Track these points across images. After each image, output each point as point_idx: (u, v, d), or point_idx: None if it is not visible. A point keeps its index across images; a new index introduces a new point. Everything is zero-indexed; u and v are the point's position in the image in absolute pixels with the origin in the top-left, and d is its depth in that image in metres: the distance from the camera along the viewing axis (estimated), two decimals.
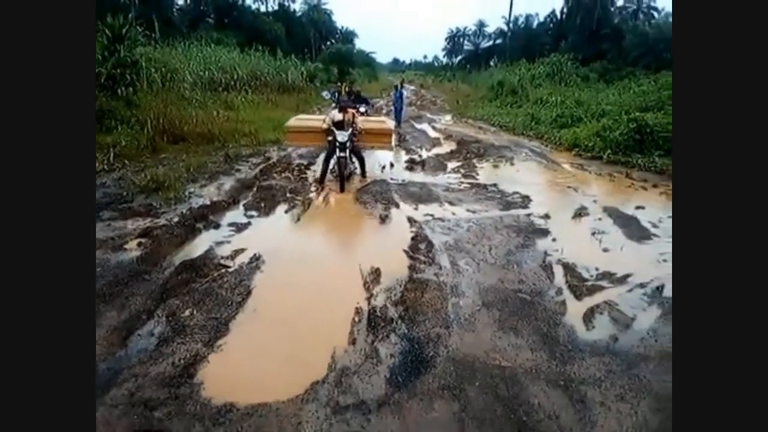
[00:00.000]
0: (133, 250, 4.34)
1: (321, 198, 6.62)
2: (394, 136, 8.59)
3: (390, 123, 8.85)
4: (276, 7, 39.67)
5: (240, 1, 35.44)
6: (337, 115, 7.15)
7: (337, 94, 12.90)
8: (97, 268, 3.86)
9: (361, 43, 55.13)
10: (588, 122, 12.43)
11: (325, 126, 7.25)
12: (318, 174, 7.40)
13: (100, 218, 5.09)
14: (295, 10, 41.73)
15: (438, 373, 2.74)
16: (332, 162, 7.11)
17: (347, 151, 7.02)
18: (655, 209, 6.26)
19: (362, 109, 10.76)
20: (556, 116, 14.20)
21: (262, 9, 39.01)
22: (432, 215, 5.85)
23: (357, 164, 7.64)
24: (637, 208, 6.35)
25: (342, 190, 6.85)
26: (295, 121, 8.38)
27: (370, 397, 2.52)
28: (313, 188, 7.02)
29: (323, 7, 44.33)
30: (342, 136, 6.89)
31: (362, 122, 7.70)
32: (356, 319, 3.36)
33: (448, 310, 3.50)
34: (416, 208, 6.16)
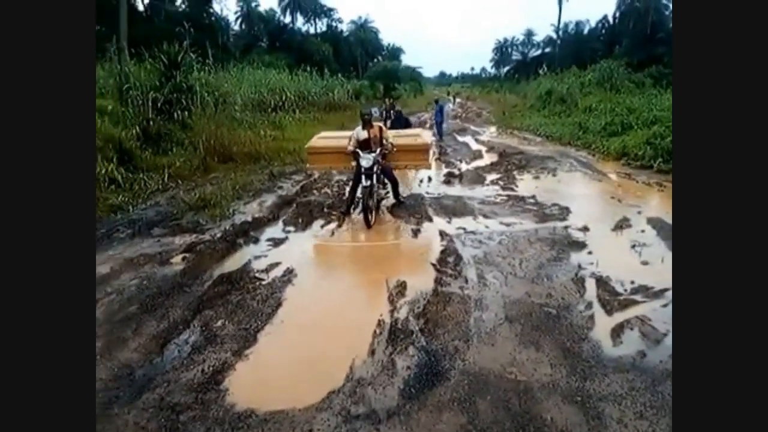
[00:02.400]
0: (177, 264, 4.67)
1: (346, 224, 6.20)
2: (432, 152, 7.53)
3: (426, 136, 7.38)
4: (324, 29, 41.13)
5: (290, 25, 37.04)
6: (362, 133, 6.17)
7: (386, 112, 12.88)
8: (143, 281, 4.20)
9: (407, 59, 55.82)
10: (639, 130, 11.94)
11: (350, 148, 6.14)
12: (346, 202, 6.52)
13: (151, 235, 5.51)
14: (342, 31, 43.13)
15: (451, 385, 2.76)
16: (360, 190, 6.11)
17: (374, 177, 5.96)
18: None
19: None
20: (605, 124, 13.76)
21: (311, 31, 40.60)
22: (464, 228, 5.85)
23: (389, 187, 6.74)
24: (672, 233, 6.02)
25: (368, 225, 5.88)
26: (317, 140, 7.12)
27: (381, 407, 2.59)
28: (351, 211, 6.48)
29: (370, 25, 45.49)
30: (367, 160, 5.88)
31: (394, 138, 6.57)
32: (378, 331, 3.44)
33: (470, 323, 3.50)
34: (449, 222, 6.18)
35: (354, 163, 6.17)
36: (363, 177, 5.87)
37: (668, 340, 3.28)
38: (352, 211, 6.47)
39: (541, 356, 3.07)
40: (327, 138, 7.18)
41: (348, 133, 6.58)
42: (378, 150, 6.06)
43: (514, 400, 2.61)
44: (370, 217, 5.90)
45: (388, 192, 6.83)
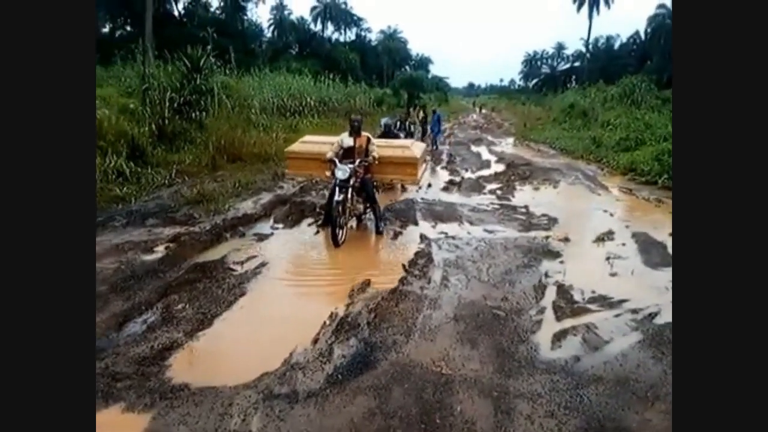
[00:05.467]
0: (159, 252, 4.93)
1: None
2: (422, 167, 6.58)
3: (417, 149, 6.43)
4: (353, 38, 41.87)
5: (320, 33, 37.88)
6: (347, 141, 5.78)
7: (399, 123, 12.82)
8: (122, 265, 4.46)
9: (436, 69, 56.14)
10: (650, 146, 11.77)
11: (329, 155, 5.59)
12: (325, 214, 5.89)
13: (144, 225, 5.82)
14: (371, 40, 43.80)
15: (376, 374, 2.88)
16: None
17: (348, 191, 5.41)
18: None
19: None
20: (620, 139, 13.60)
21: (341, 39, 41.42)
22: (446, 233, 5.94)
23: (370, 211, 6.06)
24: (671, 234, 5.97)
25: (336, 244, 5.26)
26: (300, 145, 6.59)
27: (303, 389, 2.73)
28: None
29: (399, 35, 46.04)
30: (342, 171, 5.30)
31: (380, 148, 5.91)
32: (327, 322, 3.59)
33: (417, 320, 3.61)
34: (434, 226, 6.29)
35: (329, 173, 5.62)
36: (336, 190, 5.30)
37: (608, 349, 3.32)
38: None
39: (473, 354, 3.16)
40: (310, 143, 6.57)
41: (334, 139, 6.11)
42: (357, 161, 5.59)
43: (429, 390, 2.71)
44: (339, 234, 5.30)
45: (368, 212, 6.19)
